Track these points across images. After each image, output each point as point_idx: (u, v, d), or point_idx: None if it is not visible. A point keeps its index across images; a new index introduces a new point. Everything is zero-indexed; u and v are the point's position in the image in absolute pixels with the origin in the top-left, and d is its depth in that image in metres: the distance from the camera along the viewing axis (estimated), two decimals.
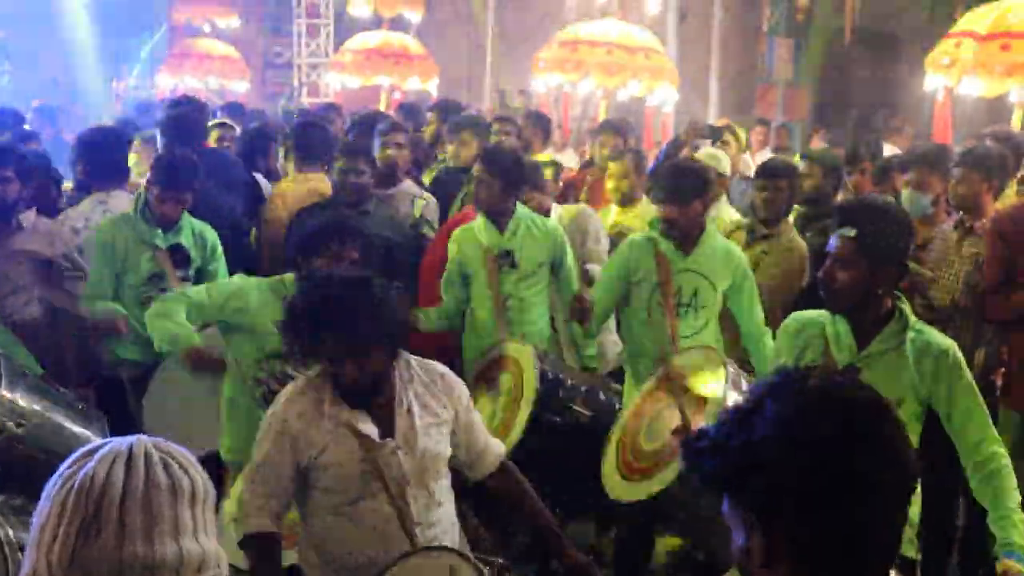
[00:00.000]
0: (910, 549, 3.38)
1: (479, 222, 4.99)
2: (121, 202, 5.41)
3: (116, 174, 5.63)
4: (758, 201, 5.38)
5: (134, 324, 4.78)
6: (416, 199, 5.97)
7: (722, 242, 4.71)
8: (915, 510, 3.40)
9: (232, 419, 4.19)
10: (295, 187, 6.03)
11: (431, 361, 3.26)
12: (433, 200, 6.05)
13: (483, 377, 4.46)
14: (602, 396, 4.46)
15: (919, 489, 3.31)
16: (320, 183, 6.03)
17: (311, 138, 6.30)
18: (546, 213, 5.46)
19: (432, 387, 3.17)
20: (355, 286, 2.98)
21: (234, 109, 9.96)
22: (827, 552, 1.48)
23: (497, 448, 3.31)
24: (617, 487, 3.93)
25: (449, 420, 3.17)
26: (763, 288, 4.79)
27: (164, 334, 4.18)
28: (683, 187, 4.51)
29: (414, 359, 3.19)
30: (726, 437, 1.51)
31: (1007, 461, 3.26)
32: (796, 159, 6.64)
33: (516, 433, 4.13)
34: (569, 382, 4.33)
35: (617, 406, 4.45)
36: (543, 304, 5.01)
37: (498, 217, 4.93)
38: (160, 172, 4.87)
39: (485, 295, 4.91)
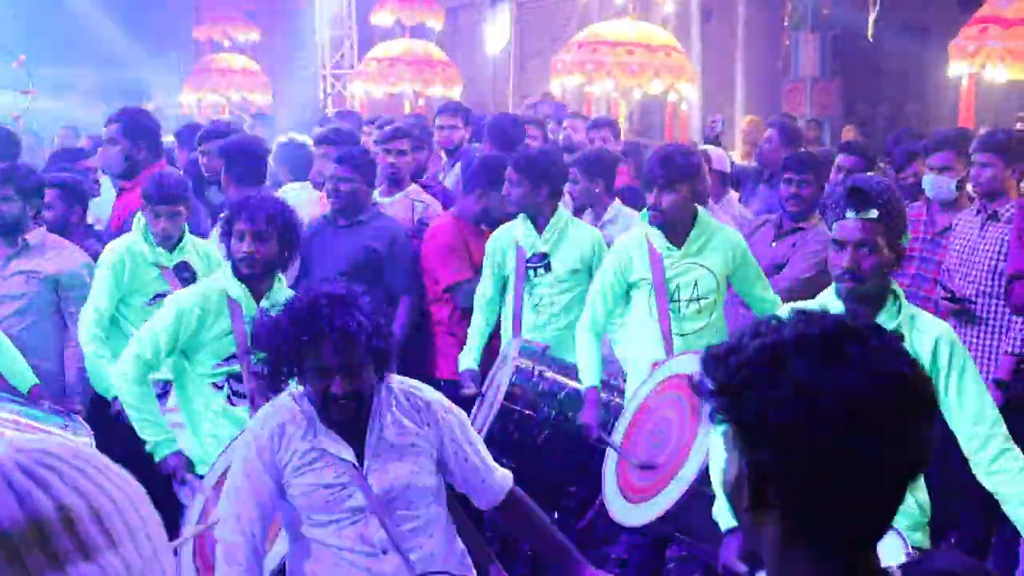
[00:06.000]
0: (923, 539, 3.24)
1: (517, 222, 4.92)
2: None
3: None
4: (785, 196, 5.25)
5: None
6: (416, 203, 5.91)
7: (716, 226, 4.48)
8: (923, 497, 3.27)
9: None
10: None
11: (421, 386, 3.09)
12: (436, 203, 6.00)
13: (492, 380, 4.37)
14: None
15: (924, 478, 3.21)
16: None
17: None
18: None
19: (412, 412, 3.00)
20: (344, 301, 2.83)
21: (265, 121, 9.95)
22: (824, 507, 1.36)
23: (501, 482, 3.10)
24: (622, 511, 3.80)
25: (430, 447, 3.01)
26: (795, 283, 4.67)
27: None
28: (669, 171, 4.25)
29: (397, 381, 3.04)
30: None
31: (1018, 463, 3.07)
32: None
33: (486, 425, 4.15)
34: (549, 375, 4.22)
35: (610, 402, 4.31)
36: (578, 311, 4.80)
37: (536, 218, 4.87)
38: (149, 190, 4.81)
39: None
